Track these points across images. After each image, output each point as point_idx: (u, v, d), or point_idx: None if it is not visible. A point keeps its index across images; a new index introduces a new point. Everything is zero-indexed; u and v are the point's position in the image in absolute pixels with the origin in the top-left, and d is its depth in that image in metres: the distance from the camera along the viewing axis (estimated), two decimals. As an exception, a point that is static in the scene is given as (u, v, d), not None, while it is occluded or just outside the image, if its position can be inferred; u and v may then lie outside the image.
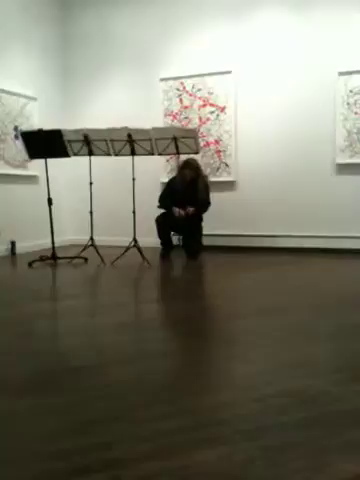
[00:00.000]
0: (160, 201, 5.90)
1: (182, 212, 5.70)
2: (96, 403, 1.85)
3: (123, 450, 1.49)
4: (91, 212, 5.64)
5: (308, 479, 1.33)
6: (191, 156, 5.74)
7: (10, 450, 1.52)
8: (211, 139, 6.46)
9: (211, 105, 6.43)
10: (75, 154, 5.48)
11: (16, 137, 6.23)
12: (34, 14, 6.65)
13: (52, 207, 5.41)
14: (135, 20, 6.77)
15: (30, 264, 5.24)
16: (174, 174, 6.12)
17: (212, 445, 1.51)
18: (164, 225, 5.83)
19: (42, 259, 5.42)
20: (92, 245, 5.59)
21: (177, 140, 5.36)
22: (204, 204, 5.78)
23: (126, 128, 5.27)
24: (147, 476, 1.36)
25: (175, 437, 1.56)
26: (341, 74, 5.79)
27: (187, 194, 5.72)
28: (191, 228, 5.81)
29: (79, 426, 1.66)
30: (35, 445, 1.54)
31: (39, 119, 6.54)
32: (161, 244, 5.94)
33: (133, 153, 5.38)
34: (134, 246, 5.39)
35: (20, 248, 6.28)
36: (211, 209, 5.90)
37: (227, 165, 6.42)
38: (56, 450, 1.50)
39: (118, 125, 5.34)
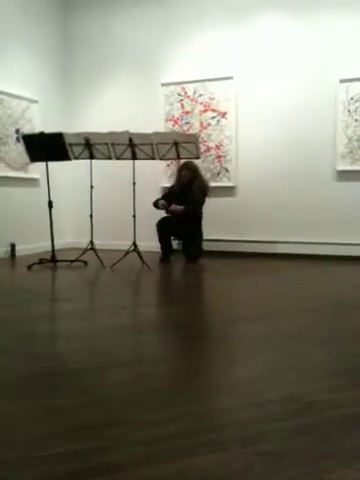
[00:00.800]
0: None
1: (165, 203, 5.74)
2: (94, 406, 1.84)
3: (120, 454, 1.49)
4: (91, 216, 5.65)
5: (306, 486, 1.33)
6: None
7: (7, 453, 1.51)
8: (212, 144, 6.48)
9: (212, 110, 6.45)
10: (76, 157, 5.48)
11: (17, 140, 6.24)
12: (34, 14, 6.65)
13: (52, 210, 5.41)
14: (136, 24, 6.79)
15: (29, 267, 5.23)
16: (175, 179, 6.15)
17: (210, 450, 1.50)
18: (164, 230, 5.84)
19: (42, 262, 5.42)
20: (92, 248, 5.59)
21: (178, 145, 5.37)
22: (194, 206, 5.77)
23: (127, 132, 5.28)
24: (145, 481, 1.35)
25: (173, 442, 1.56)
26: (342, 81, 5.80)
27: (183, 195, 5.75)
28: (191, 233, 5.82)
29: (77, 429, 1.65)
30: (32, 448, 1.53)
31: (40, 122, 6.55)
32: (161, 249, 5.94)
33: (134, 157, 5.39)
34: (134, 250, 5.39)
35: (20, 251, 6.28)
36: (211, 214, 5.91)
37: (227, 170, 6.43)
38: (54, 454, 1.49)
39: (119, 129, 5.35)
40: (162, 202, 5.79)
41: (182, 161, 5.82)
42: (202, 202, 5.80)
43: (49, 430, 1.65)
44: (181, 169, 5.87)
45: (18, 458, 1.48)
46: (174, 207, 5.69)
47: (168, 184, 6.31)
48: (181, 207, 5.68)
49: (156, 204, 5.85)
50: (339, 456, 1.47)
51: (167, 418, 1.74)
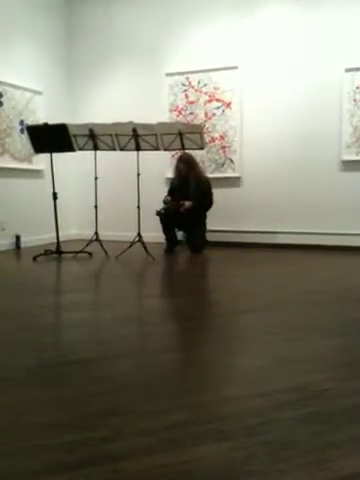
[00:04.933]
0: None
1: (169, 197, 5.79)
2: (98, 396, 1.85)
3: (124, 443, 1.49)
4: (96, 207, 5.65)
5: (310, 475, 1.33)
6: (189, 151, 5.76)
7: (12, 442, 1.52)
8: (216, 135, 6.45)
9: (217, 100, 6.41)
10: (80, 148, 5.49)
11: (22, 131, 6.23)
12: (37, 5, 6.63)
13: (57, 201, 5.41)
14: (141, 13, 6.75)
15: (35, 258, 5.25)
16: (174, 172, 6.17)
17: (215, 440, 1.51)
18: (168, 221, 5.84)
19: (47, 253, 5.43)
20: (97, 240, 5.60)
21: (182, 135, 5.35)
22: (200, 201, 5.75)
23: (131, 123, 5.26)
24: (148, 470, 1.36)
25: (177, 431, 1.56)
26: (348, 70, 5.75)
27: (182, 188, 5.77)
28: (195, 224, 5.82)
29: (81, 419, 1.66)
30: (39, 437, 1.54)
31: (44, 113, 6.53)
32: (165, 240, 5.95)
33: (138, 148, 5.37)
34: (138, 241, 5.39)
35: (25, 242, 6.29)
36: (215, 205, 5.89)
37: (232, 161, 6.41)
38: (58, 443, 1.50)
39: (123, 120, 5.33)
40: (166, 198, 5.82)
41: (179, 154, 5.84)
42: (201, 197, 5.76)
43: (54, 419, 1.66)
44: (177, 163, 5.93)
45: (25, 447, 1.49)
46: (185, 203, 5.70)
47: (172, 175, 6.29)
48: (190, 203, 5.69)
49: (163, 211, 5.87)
50: (344, 446, 1.47)
51: (171, 408, 1.74)
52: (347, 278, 4.31)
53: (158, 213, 5.75)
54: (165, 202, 5.80)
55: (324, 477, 1.31)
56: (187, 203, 5.71)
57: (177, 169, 5.94)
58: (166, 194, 5.96)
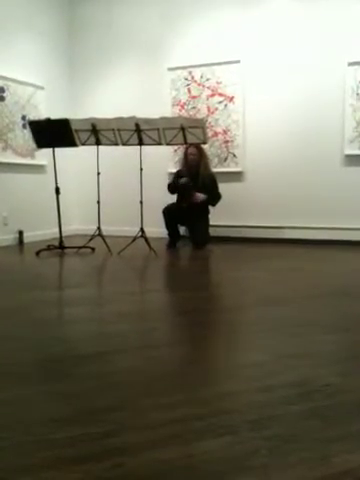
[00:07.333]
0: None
1: (189, 180, 5.66)
2: (100, 391, 1.86)
3: (127, 438, 1.50)
4: (98, 202, 5.64)
5: (312, 469, 1.33)
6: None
7: (13, 437, 1.52)
8: (219, 129, 6.43)
9: (219, 95, 6.39)
10: (83, 144, 5.47)
11: (24, 126, 6.23)
12: (41, 1, 6.61)
13: (60, 196, 5.42)
14: (142, 8, 6.72)
15: (38, 253, 5.26)
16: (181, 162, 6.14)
17: (217, 434, 1.51)
18: (171, 216, 5.83)
19: (49, 248, 5.44)
20: (99, 235, 5.60)
21: (185, 130, 5.33)
22: (210, 193, 5.75)
23: (134, 118, 5.26)
24: (150, 464, 1.36)
25: (179, 426, 1.57)
26: (351, 64, 5.72)
27: (192, 179, 5.72)
28: (198, 219, 5.81)
29: (83, 414, 1.67)
30: (43, 432, 1.54)
31: (47, 108, 6.53)
32: (168, 235, 5.94)
33: (141, 143, 5.37)
34: (141, 236, 5.39)
35: (28, 237, 6.30)
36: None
37: (235, 155, 6.39)
38: (60, 437, 1.51)
39: (126, 114, 5.32)
40: (186, 179, 5.70)
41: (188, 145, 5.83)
42: (210, 188, 5.77)
43: (58, 414, 1.66)
44: (187, 149, 5.87)
45: (29, 441, 1.49)
46: (199, 195, 5.67)
47: (174, 169, 6.28)
48: (204, 196, 5.67)
49: (174, 186, 5.78)
50: (346, 441, 1.47)
51: (174, 402, 1.74)
52: (350, 273, 4.30)
53: (173, 185, 5.73)
54: (184, 182, 5.68)
55: (326, 472, 1.32)
56: (200, 195, 5.69)
57: (186, 157, 5.89)
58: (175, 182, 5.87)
